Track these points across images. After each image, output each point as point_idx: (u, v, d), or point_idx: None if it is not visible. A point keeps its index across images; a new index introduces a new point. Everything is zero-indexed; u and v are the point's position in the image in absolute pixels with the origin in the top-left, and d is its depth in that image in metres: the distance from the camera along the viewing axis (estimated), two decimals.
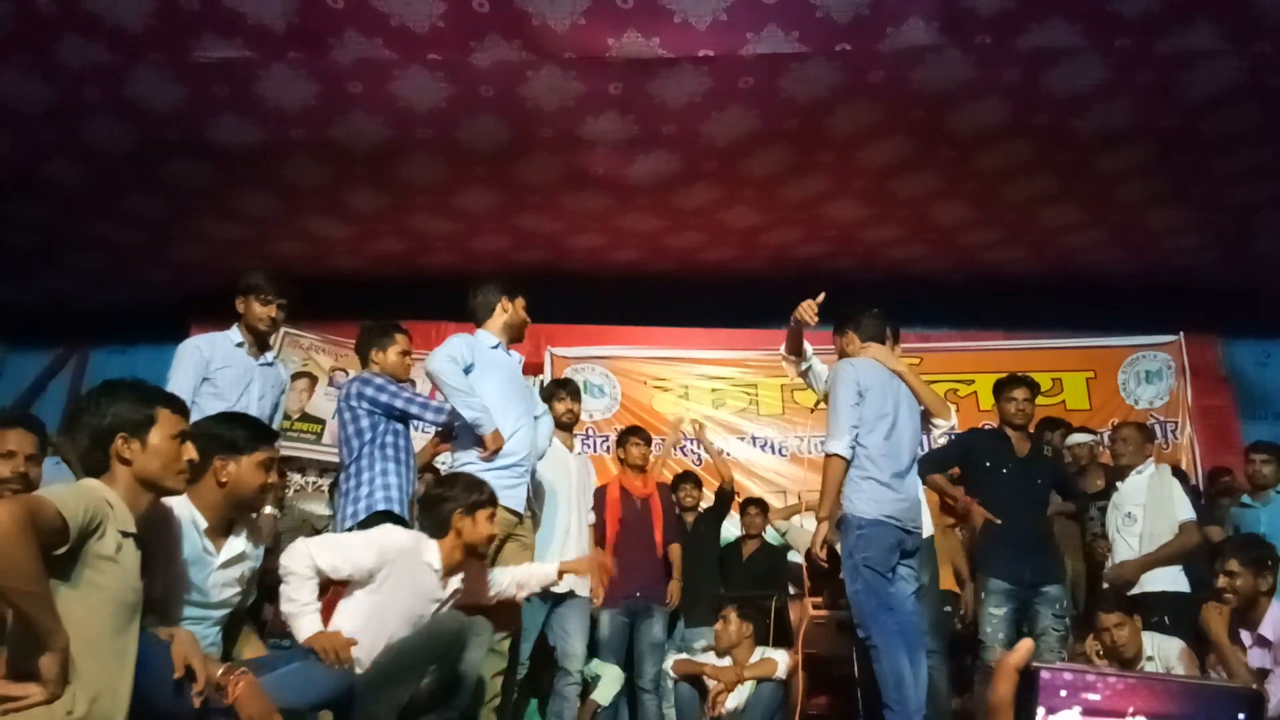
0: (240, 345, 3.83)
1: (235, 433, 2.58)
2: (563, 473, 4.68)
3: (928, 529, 4.09)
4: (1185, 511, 4.41)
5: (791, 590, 5.69)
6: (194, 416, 3.51)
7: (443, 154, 5.28)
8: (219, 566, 2.55)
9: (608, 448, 6.72)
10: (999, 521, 4.26)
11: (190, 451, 2.27)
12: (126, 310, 7.32)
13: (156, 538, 2.35)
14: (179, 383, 3.61)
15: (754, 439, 7.11)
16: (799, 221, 6.27)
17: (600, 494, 5.24)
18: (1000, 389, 4.64)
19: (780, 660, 4.37)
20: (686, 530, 5.59)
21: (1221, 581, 3.53)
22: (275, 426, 3.93)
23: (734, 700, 4.37)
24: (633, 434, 5.46)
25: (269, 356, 3.94)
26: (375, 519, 3.66)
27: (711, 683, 4.44)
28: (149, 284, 7.06)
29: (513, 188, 5.72)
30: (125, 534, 2.00)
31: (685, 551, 5.36)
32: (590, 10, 4.08)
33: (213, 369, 3.74)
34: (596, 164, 5.41)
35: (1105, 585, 4.56)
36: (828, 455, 3.81)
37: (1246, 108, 4.85)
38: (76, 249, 6.50)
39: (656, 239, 6.56)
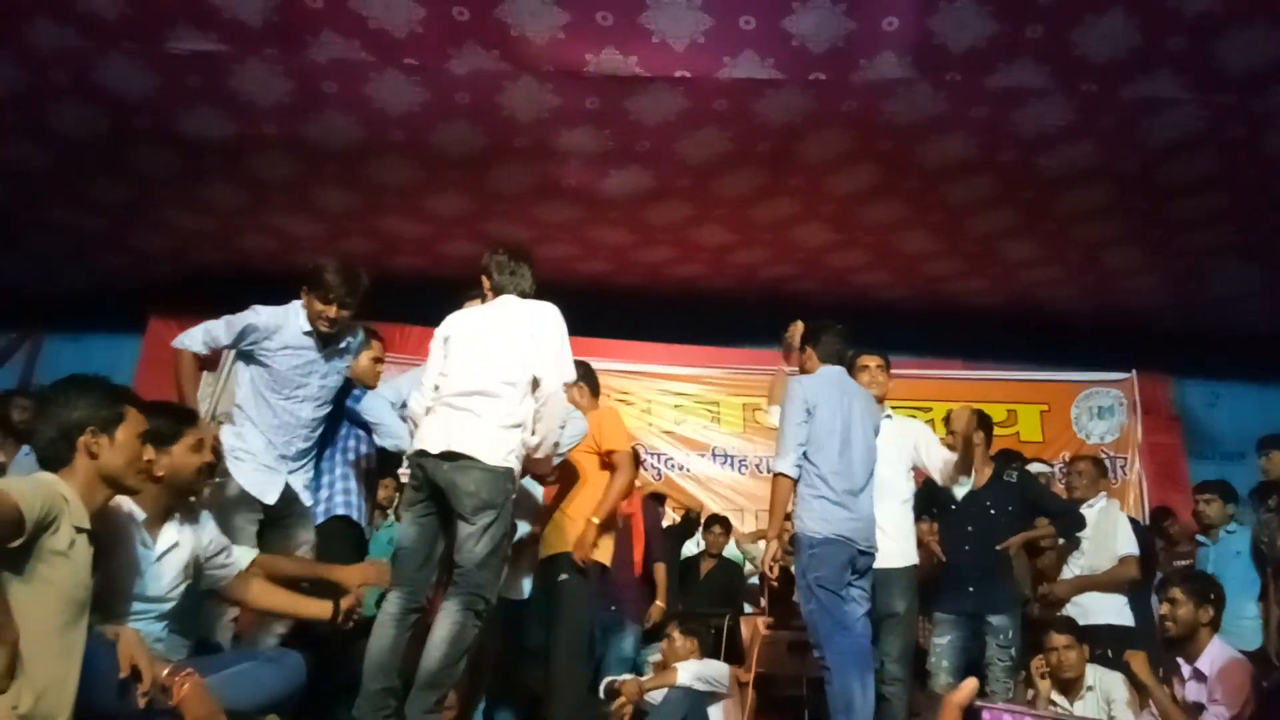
0: (309, 334, 3.54)
1: (158, 423, 2.49)
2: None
3: (906, 560, 4.09)
4: (1127, 546, 4.51)
5: (749, 609, 5.71)
6: (244, 396, 3.52)
7: (415, 157, 5.26)
8: (156, 559, 2.52)
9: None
10: (944, 559, 4.33)
11: (150, 452, 2.27)
12: (83, 297, 7.19)
13: (107, 535, 2.32)
14: (218, 327, 3.48)
15: (713, 453, 7.17)
16: (767, 243, 6.33)
17: None
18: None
19: (684, 670, 4.33)
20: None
21: (1163, 609, 3.63)
22: (321, 403, 3.65)
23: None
24: None
25: (342, 342, 3.66)
26: (332, 524, 3.66)
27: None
28: (108, 271, 6.96)
29: (484, 195, 5.73)
30: (79, 530, 1.98)
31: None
32: (570, 25, 4.11)
33: (272, 348, 3.50)
34: (569, 176, 5.43)
35: (1036, 606, 4.64)
36: (774, 474, 3.84)
37: (1205, 156, 5.00)
38: (35, 232, 6.39)
39: (626, 253, 6.59)
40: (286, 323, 3.52)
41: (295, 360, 3.52)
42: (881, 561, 3.90)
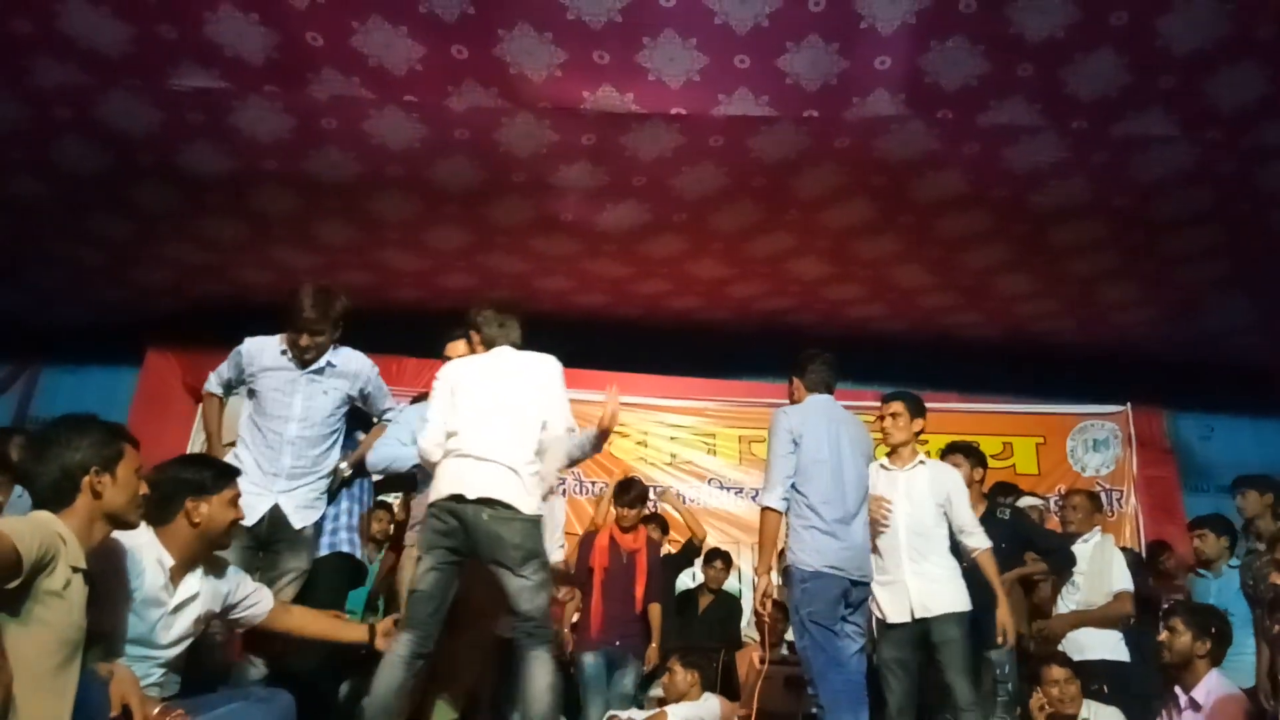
0: (284, 353, 3.67)
1: (203, 474, 2.65)
2: None
3: (965, 605, 3.87)
4: (1123, 582, 4.51)
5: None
6: (242, 424, 3.65)
7: (414, 192, 5.31)
8: (171, 610, 2.55)
9: (563, 490, 6.73)
10: None
11: (144, 487, 2.30)
12: (81, 330, 7.21)
13: (116, 574, 2.35)
14: (223, 366, 3.80)
15: (709, 483, 7.17)
16: (763, 276, 6.36)
17: (589, 539, 5.24)
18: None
19: (673, 713, 4.28)
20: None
21: (1163, 636, 3.68)
22: (307, 424, 3.66)
23: None
24: (625, 491, 5.34)
25: (322, 361, 3.69)
26: (335, 558, 3.71)
27: None
28: (107, 304, 6.97)
29: (482, 228, 5.76)
30: (75, 569, 1.98)
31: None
32: (566, 64, 4.16)
33: (255, 372, 3.66)
34: (567, 210, 5.47)
35: (1032, 644, 4.63)
36: (761, 509, 3.83)
37: (1196, 191, 5.04)
38: (35, 266, 6.41)
39: (623, 285, 6.62)
40: (267, 346, 3.71)
41: (275, 380, 3.64)
42: (941, 608, 3.81)
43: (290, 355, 3.65)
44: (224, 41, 4.12)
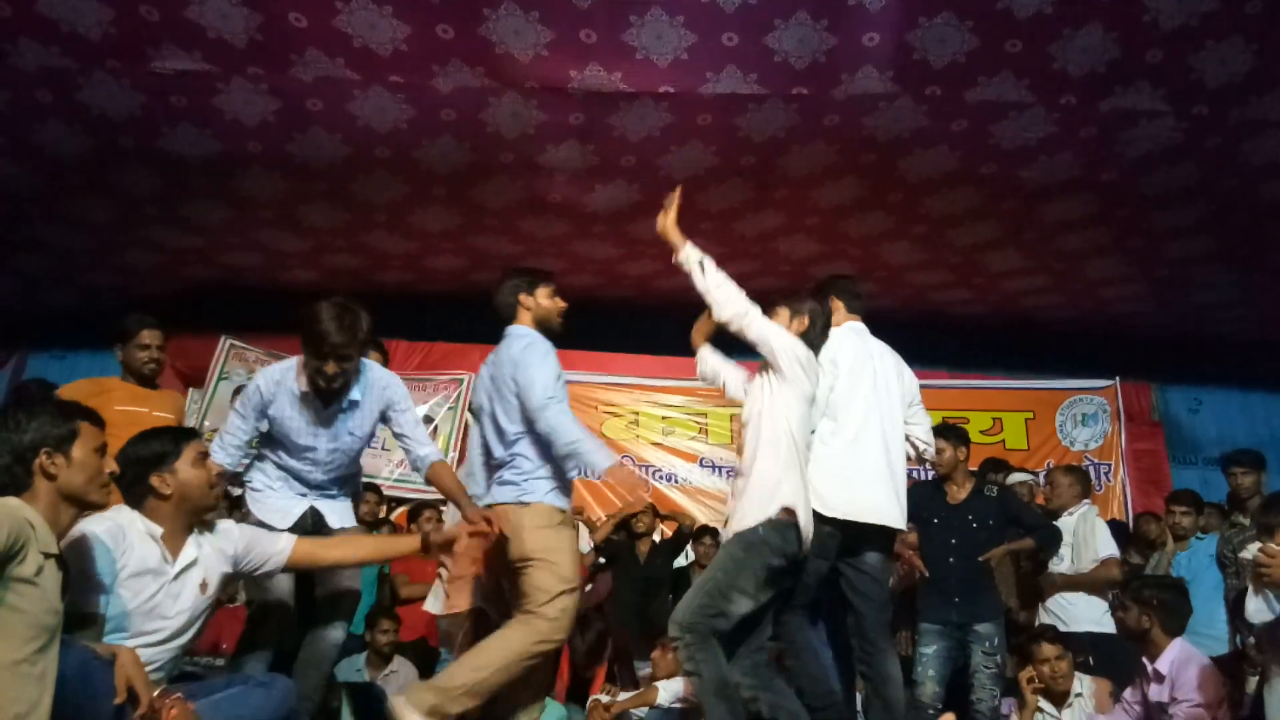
0: (305, 394, 3.17)
1: (155, 445, 2.52)
2: None
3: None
4: (1107, 549, 4.55)
5: None
6: (264, 439, 3.33)
7: (401, 174, 5.28)
8: (173, 578, 2.49)
9: None
10: (927, 574, 4.32)
11: (111, 464, 2.25)
12: (68, 314, 7.17)
13: (96, 557, 2.32)
14: (232, 422, 3.27)
15: (701, 463, 7.20)
16: (753, 255, 6.36)
17: None
18: None
19: (664, 690, 4.33)
20: (639, 561, 5.58)
21: (1118, 613, 3.79)
22: (333, 466, 3.34)
23: None
24: None
25: (348, 398, 3.22)
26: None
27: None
28: (93, 289, 6.94)
29: (471, 209, 5.74)
30: (47, 555, 1.95)
31: (638, 582, 5.31)
32: (553, 42, 4.14)
33: (272, 415, 3.21)
34: (555, 191, 5.45)
35: (1023, 614, 4.66)
36: None
37: (1183, 166, 5.06)
38: (19, 251, 6.37)
39: (612, 266, 6.61)
40: (283, 383, 3.21)
41: (295, 424, 3.21)
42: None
43: (314, 394, 3.17)
44: (206, 23, 4.08)
